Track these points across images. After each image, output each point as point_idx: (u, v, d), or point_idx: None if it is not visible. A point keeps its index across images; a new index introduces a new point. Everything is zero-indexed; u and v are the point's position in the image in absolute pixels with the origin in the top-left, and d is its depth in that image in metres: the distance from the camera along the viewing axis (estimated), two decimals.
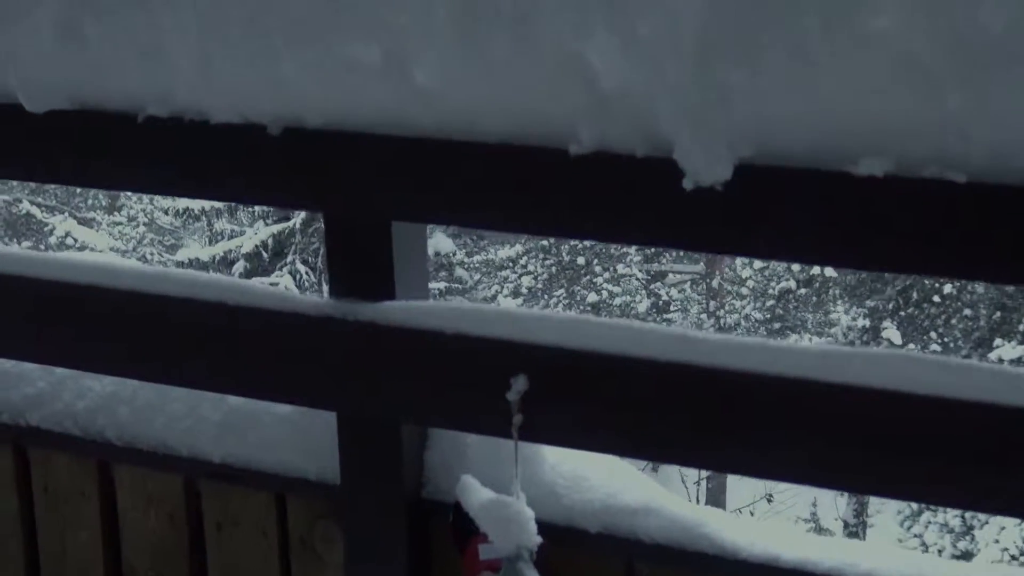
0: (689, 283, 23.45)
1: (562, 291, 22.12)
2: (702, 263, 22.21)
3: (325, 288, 2.45)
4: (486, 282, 22.23)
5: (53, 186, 19.49)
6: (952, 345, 19.21)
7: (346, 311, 1.80)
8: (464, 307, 1.80)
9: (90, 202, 23.62)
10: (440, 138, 1.54)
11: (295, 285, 18.27)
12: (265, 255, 19.41)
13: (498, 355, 1.71)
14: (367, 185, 1.64)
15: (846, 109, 1.27)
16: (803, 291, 21.68)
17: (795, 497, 18.96)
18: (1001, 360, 16.89)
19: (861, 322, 20.07)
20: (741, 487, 19.42)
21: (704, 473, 19.19)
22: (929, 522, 17.86)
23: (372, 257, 1.81)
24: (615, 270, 22.49)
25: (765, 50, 1.26)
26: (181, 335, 1.94)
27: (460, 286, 21.09)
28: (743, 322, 21.72)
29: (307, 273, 19.04)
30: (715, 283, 21.98)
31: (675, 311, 23.02)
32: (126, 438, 2.29)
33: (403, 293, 1.82)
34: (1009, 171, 1.23)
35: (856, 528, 19.22)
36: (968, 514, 16.83)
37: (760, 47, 1.26)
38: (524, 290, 22.16)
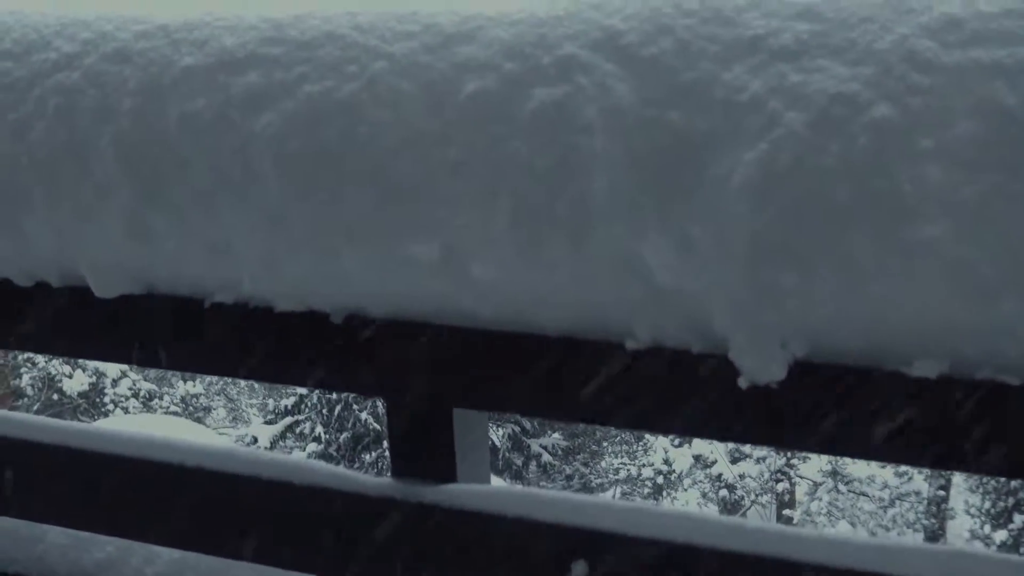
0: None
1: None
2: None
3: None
4: None
5: None
6: None
7: (408, 493, 1.82)
8: (525, 492, 1.81)
9: None
10: (498, 330, 1.57)
11: None
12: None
13: (558, 540, 1.71)
14: (427, 374, 1.67)
15: (898, 313, 1.28)
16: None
17: None
18: None
19: None
20: None
21: None
22: None
23: (433, 441, 1.83)
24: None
25: (815, 257, 1.29)
26: (246, 512, 1.97)
27: None
28: None
29: None
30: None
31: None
32: None
33: (465, 476, 1.83)
34: None
35: None
36: None
37: (810, 254, 1.29)
38: None
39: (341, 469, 1.94)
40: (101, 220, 1.70)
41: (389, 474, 1.88)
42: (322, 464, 1.94)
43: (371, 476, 1.88)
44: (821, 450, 1.48)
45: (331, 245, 1.56)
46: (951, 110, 1.25)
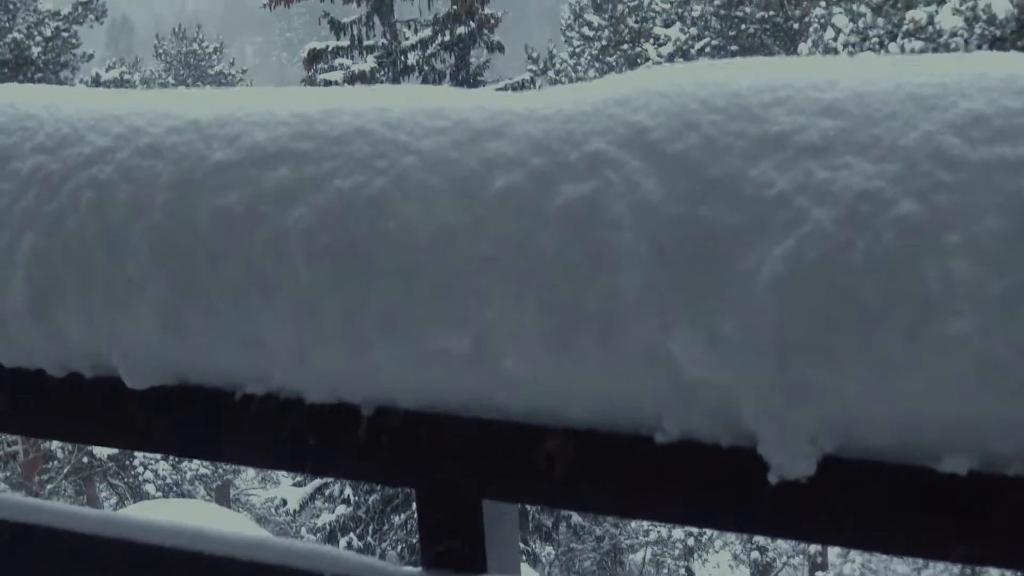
0: None
1: None
2: None
3: None
4: None
5: None
6: None
7: None
8: None
9: None
10: (527, 423, 1.57)
11: None
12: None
13: None
14: (457, 465, 1.68)
15: (928, 409, 1.28)
16: None
17: None
18: None
19: None
20: None
21: None
22: None
23: (463, 531, 1.82)
24: None
25: (844, 353, 1.29)
26: None
27: None
28: None
29: None
30: None
31: None
32: None
33: (495, 566, 1.83)
34: None
35: None
36: None
37: (839, 350, 1.29)
38: None
39: (370, 559, 1.94)
40: (133, 312, 1.72)
41: (419, 564, 1.87)
42: (351, 554, 1.94)
43: (401, 567, 1.88)
44: (848, 545, 1.48)
45: (362, 338, 1.57)
46: (977, 206, 1.25)
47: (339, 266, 1.56)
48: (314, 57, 28.97)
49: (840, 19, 19.01)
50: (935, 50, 17.11)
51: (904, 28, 17.46)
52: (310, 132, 1.64)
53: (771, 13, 25.82)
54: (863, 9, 19.04)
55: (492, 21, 28.58)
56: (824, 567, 28.93)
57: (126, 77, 36.50)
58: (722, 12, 26.18)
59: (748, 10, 25.90)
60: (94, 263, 1.72)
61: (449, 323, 1.52)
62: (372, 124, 1.62)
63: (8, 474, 32.11)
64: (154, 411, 1.86)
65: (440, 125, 1.58)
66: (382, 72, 28.23)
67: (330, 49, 29.08)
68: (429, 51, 29.06)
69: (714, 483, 1.48)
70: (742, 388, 1.37)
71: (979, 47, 16.76)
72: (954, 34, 16.80)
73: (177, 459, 28.79)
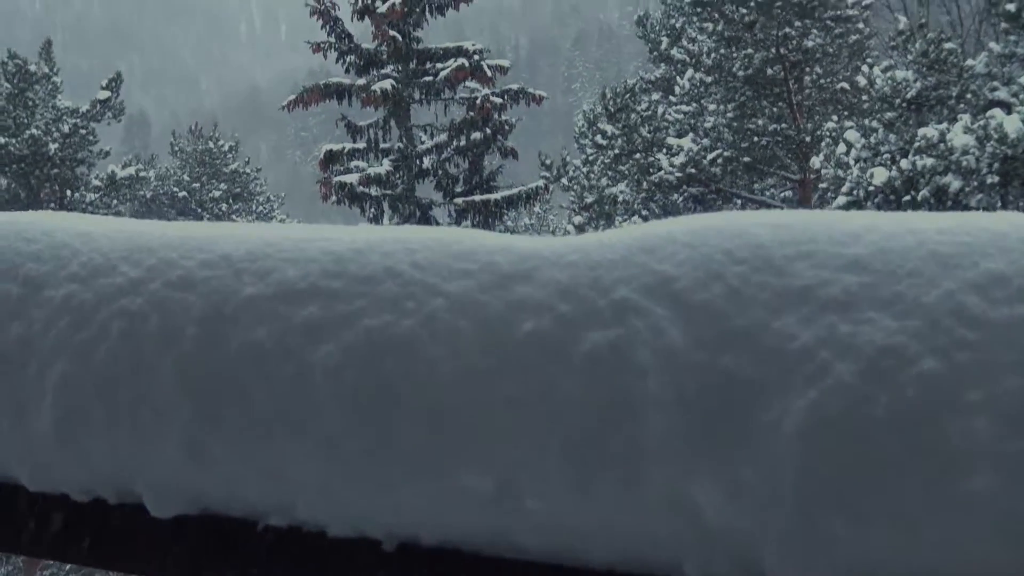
0: None
1: None
2: None
3: None
4: None
5: None
6: None
7: None
8: None
9: None
10: (547, 562, 1.58)
11: None
12: None
13: None
14: None
15: (947, 562, 1.29)
16: None
17: None
18: None
19: None
20: None
21: None
22: None
23: None
24: None
25: (865, 505, 1.30)
26: None
27: None
28: None
29: None
30: None
31: None
32: None
33: None
34: None
35: None
36: None
37: (860, 502, 1.30)
38: None
39: None
40: (159, 442, 1.73)
41: None
42: None
43: None
44: None
45: (386, 476, 1.59)
46: (997, 365, 1.27)
47: (365, 404, 1.58)
48: (330, 159, 29.23)
49: (852, 134, 19.16)
50: (947, 167, 17.23)
51: (916, 145, 17.59)
52: (340, 270, 1.67)
53: (783, 126, 26.05)
54: (875, 124, 19.20)
55: (507, 128, 28.85)
56: None
57: (141, 174, 36.79)
58: (734, 124, 26.43)
59: (760, 122, 26.14)
60: (122, 392, 1.75)
61: (473, 463, 1.54)
62: (401, 265, 1.65)
63: (10, 568, 31.85)
64: (174, 538, 1.87)
65: (468, 268, 1.61)
66: (397, 175, 28.45)
67: (346, 151, 29.34)
68: (444, 155, 29.30)
69: None
70: (763, 535, 1.38)
71: (990, 165, 16.87)
72: (965, 152, 16.92)
73: None
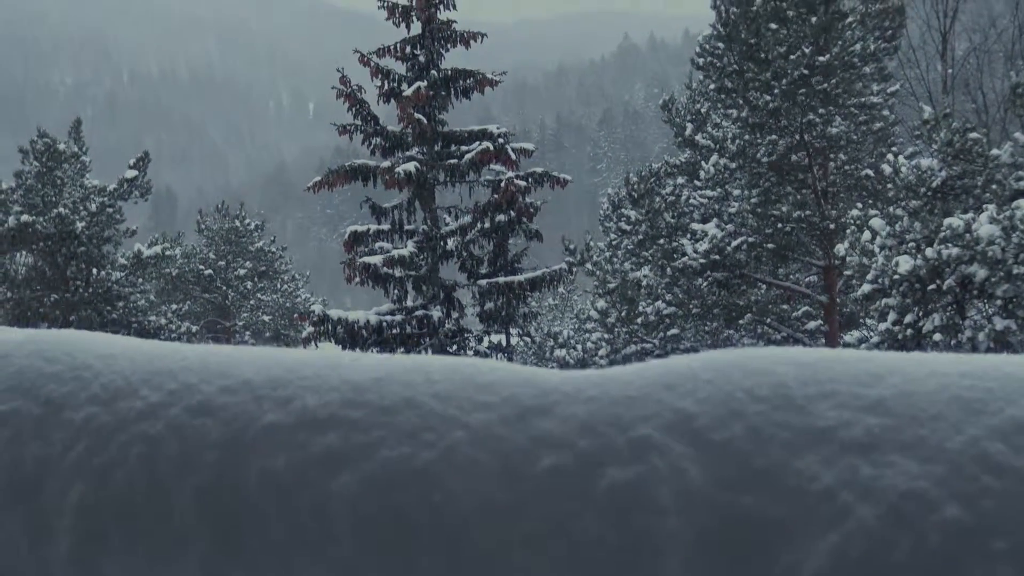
0: None
1: None
2: None
3: None
4: None
5: None
6: None
7: None
8: None
9: None
10: None
11: None
12: None
13: None
14: None
15: None
16: None
17: None
18: None
19: None
20: None
21: None
22: None
23: None
24: None
25: None
26: None
27: None
28: None
29: None
30: None
31: None
32: None
33: None
34: None
35: None
36: None
37: None
38: None
39: None
40: (177, 567, 1.72)
41: None
42: None
43: None
44: None
45: None
46: (1023, 514, 1.26)
47: (383, 535, 1.57)
48: (355, 240, 29.34)
49: (877, 221, 19.16)
50: (972, 257, 17.19)
51: (941, 234, 17.58)
52: (360, 400, 1.66)
53: (807, 212, 26.08)
54: (900, 212, 19.21)
55: (531, 210, 28.95)
56: None
57: (167, 252, 36.99)
58: (759, 210, 26.46)
59: (785, 209, 26.17)
60: (140, 517, 1.74)
61: None
62: (422, 396, 1.64)
63: None
64: None
65: (489, 400, 1.61)
66: (421, 256, 28.54)
67: (371, 232, 29.46)
68: (468, 237, 29.40)
69: None
70: None
71: (1016, 256, 16.82)
72: (991, 242, 16.90)
73: None
